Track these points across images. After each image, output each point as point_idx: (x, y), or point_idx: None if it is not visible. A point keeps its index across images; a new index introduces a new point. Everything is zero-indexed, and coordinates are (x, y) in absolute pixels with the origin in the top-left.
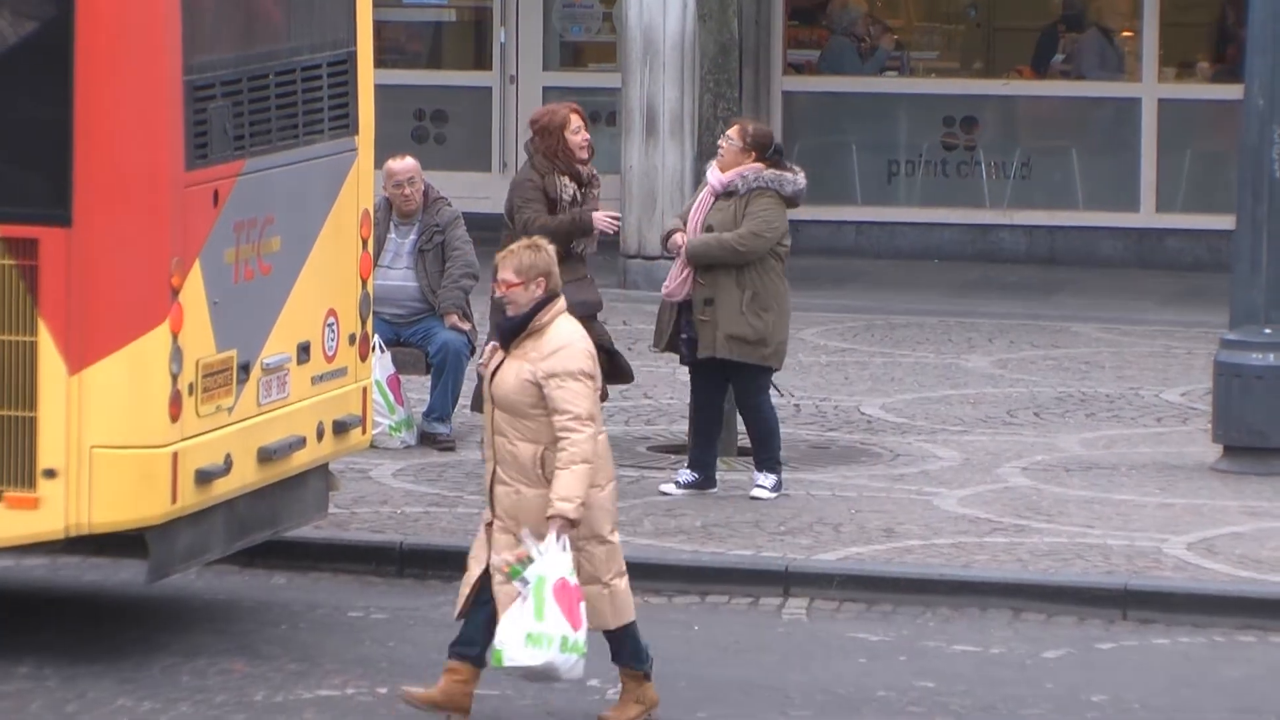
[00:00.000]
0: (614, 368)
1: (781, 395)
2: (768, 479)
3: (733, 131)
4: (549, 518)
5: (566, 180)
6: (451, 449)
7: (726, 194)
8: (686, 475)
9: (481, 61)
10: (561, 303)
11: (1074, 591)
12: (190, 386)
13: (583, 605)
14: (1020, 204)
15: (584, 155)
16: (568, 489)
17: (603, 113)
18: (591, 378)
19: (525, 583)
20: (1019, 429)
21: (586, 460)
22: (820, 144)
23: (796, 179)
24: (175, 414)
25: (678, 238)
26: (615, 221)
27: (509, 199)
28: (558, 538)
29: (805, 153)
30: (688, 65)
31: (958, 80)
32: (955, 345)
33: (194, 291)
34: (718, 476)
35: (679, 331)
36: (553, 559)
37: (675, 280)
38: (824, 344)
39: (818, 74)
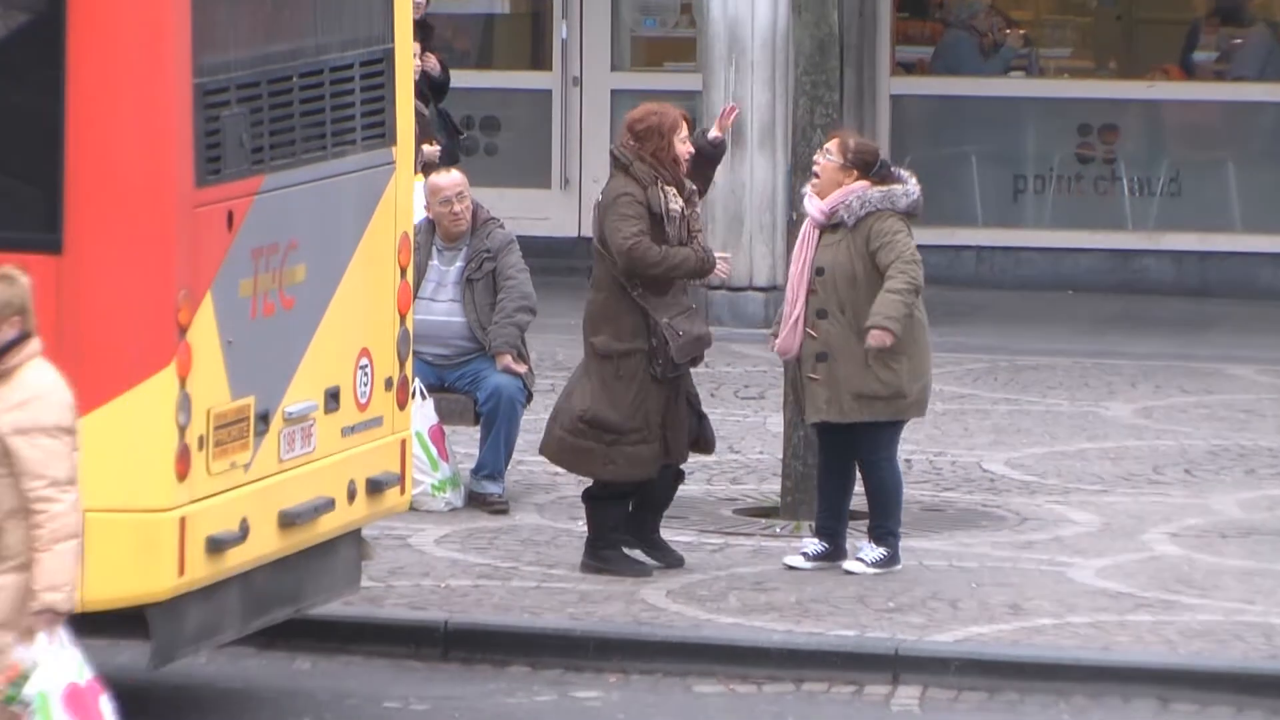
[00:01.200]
0: (700, 436)
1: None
2: (873, 552)
3: (831, 145)
4: (36, 613)
5: (673, 192)
6: (505, 512)
7: (833, 226)
8: (815, 545)
9: (540, 60)
10: (36, 344)
11: (1231, 678)
12: (200, 440)
13: (103, 700)
14: (1167, 226)
15: (688, 168)
16: (55, 575)
17: None
18: (71, 434)
19: (26, 705)
20: (1167, 488)
21: (74, 535)
22: (934, 156)
23: (908, 189)
24: (182, 472)
25: (778, 344)
26: (727, 264)
27: (600, 222)
28: (50, 636)
29: (916, 166)
30: (780, 65)
31: (1094, 82)
32: (1092, 390)
33: (204, 329)
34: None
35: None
36: (52, 665)
37: (785, 329)
38: (939, 389)
39: (931, 74)
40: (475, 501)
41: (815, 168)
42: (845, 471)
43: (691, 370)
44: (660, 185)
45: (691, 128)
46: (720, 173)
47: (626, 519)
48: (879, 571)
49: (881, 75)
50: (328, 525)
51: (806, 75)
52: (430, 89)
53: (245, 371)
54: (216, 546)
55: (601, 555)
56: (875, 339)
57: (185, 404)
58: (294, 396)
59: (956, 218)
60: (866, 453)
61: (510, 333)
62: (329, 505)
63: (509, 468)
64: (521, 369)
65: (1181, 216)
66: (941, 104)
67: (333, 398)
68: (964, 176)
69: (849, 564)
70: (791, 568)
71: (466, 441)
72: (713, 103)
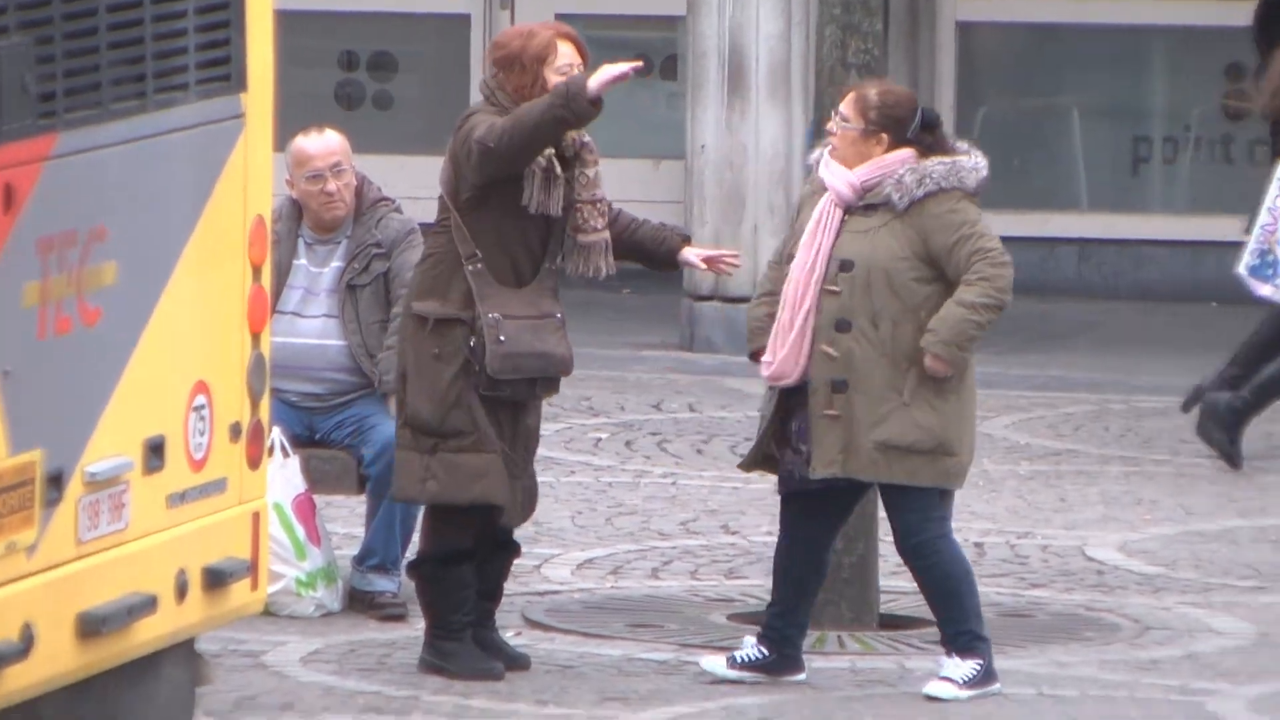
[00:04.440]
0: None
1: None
2: (960, 666)
3: (846, 106)
4: None
5: None
6: (401, 618)
7: (868, 206)
8: (751, 650)
9: None
10: None
11: None
12: None
13: None
14: None
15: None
16: None
17: (655, 59)
18: None
19: None
20: None
21: None
22: (1018, 109)
23: (976, 161)
24: None
25: (773, 368)
26: (731, 263)
27: (450, 159)
28: None
29: (993, 123)
30: None
31: (1247, 4)
32: (1245, 444)
33: None
34: (804, 658)
35: (786, 438)
36: None
37: (786, 349)
38: (1024, 443)
39: None
40: (359, 603)
41: (830, 136)
42: (817, 554)
43: (662, 409)
44: None
45: (585, 57)
46: (712, 130)
47: (472, 601)
48: (974, 694)
49: None
50: (147, 634)
51: None
52: None
53: (29, 415)
54: None
55: (441, 649)
56: (932, 365)
57: None
58: (99, 451)
59: (1048, 198)
60: (911, 536)
61: None
62: (149, 605)
63: (408, 554)
64: None
65: None
66: (1029, 35)
67: (155, 452)
68: (1061, 140)
69: (933, 687)
70: (708, 673)
71: (348, 517)
72: (701, 35)
